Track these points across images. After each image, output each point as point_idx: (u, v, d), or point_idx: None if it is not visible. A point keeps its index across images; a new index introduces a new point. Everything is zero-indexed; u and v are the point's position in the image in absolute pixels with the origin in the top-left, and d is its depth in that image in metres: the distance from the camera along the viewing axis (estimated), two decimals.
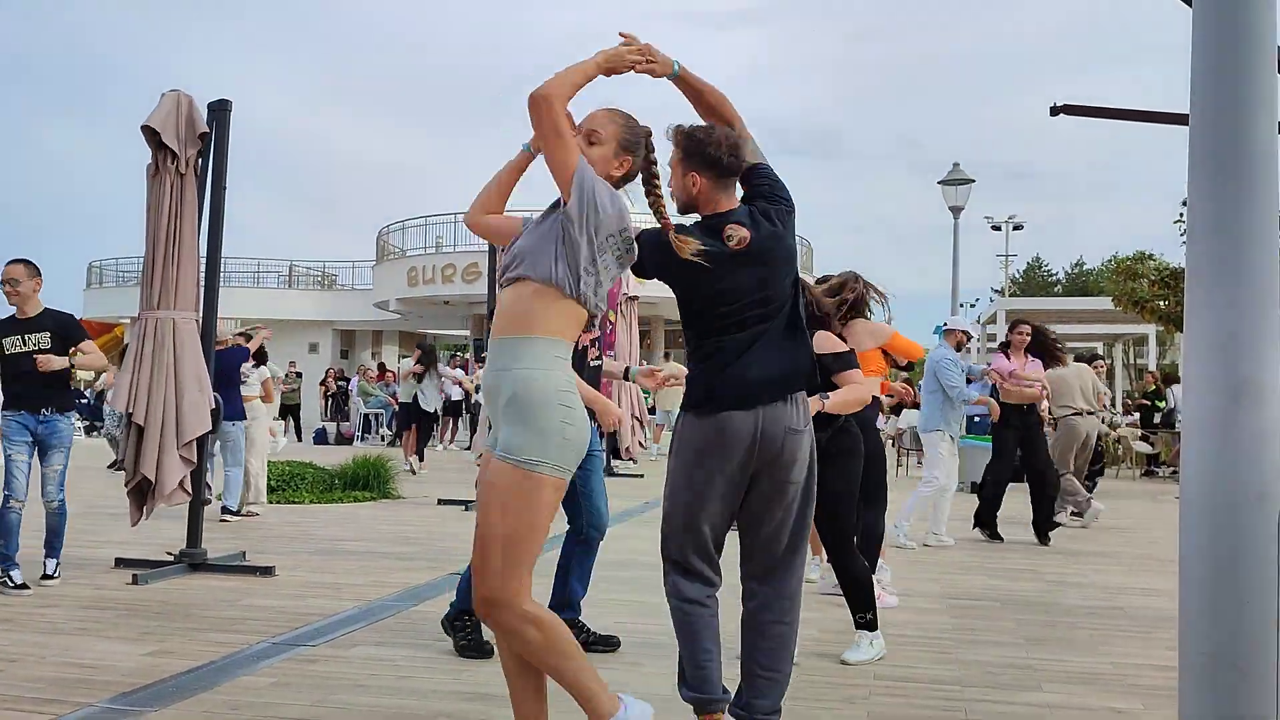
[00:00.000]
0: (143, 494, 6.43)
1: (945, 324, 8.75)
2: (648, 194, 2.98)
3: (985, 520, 8.57)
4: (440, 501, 10.22)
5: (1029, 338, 8.63)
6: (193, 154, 6.33)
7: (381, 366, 24.42)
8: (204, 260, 6.50)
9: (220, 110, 6.45)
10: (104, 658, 4.18)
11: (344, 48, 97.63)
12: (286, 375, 18.85)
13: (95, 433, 21.19)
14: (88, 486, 10.99)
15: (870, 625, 4.46)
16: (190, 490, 6.22)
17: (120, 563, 6.27)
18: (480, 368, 18.62)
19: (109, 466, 12.73)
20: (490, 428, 2.79)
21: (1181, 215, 15.40)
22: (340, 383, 24.28)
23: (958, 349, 8.39)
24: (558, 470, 2.66)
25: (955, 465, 8.25)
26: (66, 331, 5.85)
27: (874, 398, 6.10)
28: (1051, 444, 9.45)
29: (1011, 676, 4.26)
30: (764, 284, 2.99)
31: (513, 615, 2.64)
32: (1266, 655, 2.15)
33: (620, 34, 2.92)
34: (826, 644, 4.71)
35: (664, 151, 3.03)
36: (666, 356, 25.09)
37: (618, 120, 2.87)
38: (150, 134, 6.25)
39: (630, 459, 14.63)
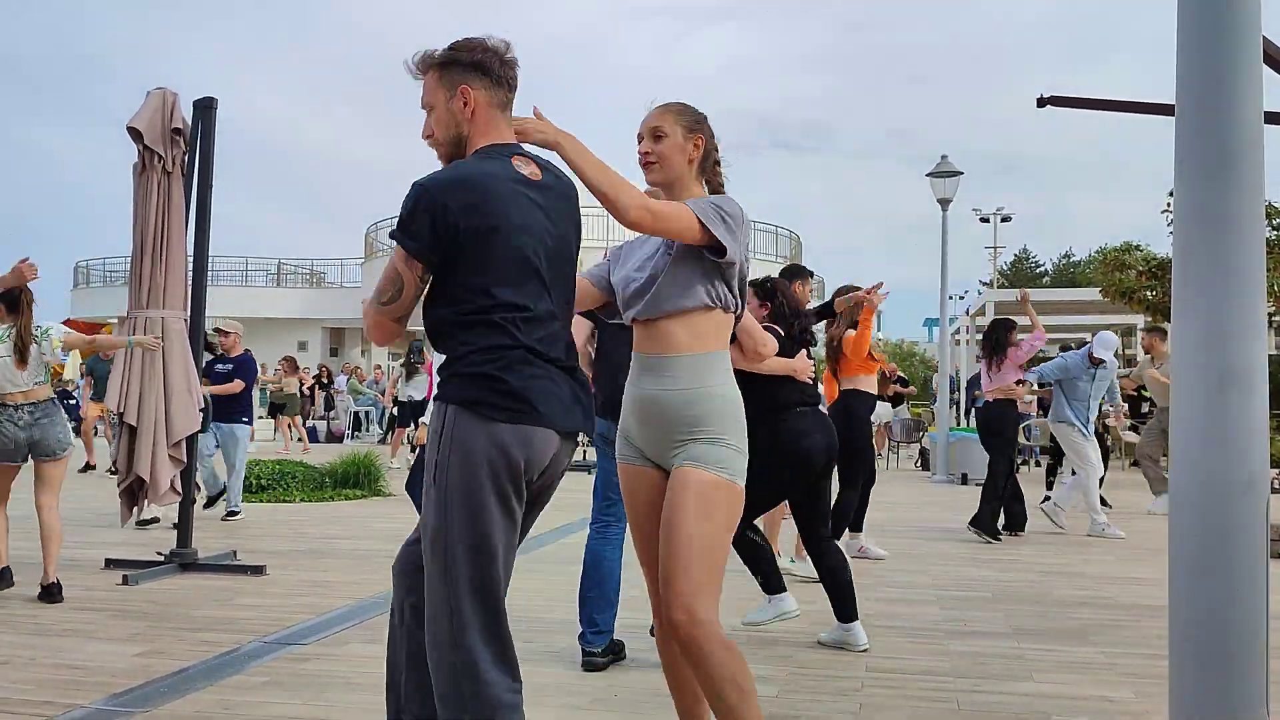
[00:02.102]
0: (134, 495, 6.41)
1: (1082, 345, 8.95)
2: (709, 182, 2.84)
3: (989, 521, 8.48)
4: None
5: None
6: (179, 152, 6.30)
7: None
8: (191, 259, 6.47)
9: (206, 108, 6.42)
10: (95, 659, 4.16)
11: (331, 46, 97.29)
12: (275, 373, 18.74)
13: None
14: (78, 488, 10.94)
15: (774, 589, 4.62)
16: (180, 490, 6.21)
17: (111, 563, 6.25)
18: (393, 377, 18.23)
19: (109, 471, 12.68)
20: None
21: (1169, 205, 15.45)
22: (319, 378, 24.13)
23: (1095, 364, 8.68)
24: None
25: (1090, 451, 8.64)
26: None
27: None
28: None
29: (1003, 666, 4.27)
30: None
31: (713, 634, 2.49)
32: (1256, 641, 2.17)
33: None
34: (817, 637, 4.72)
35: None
36: None
37: (672, 108, 2.77)
38: (135, 133, 6.22)
39: None
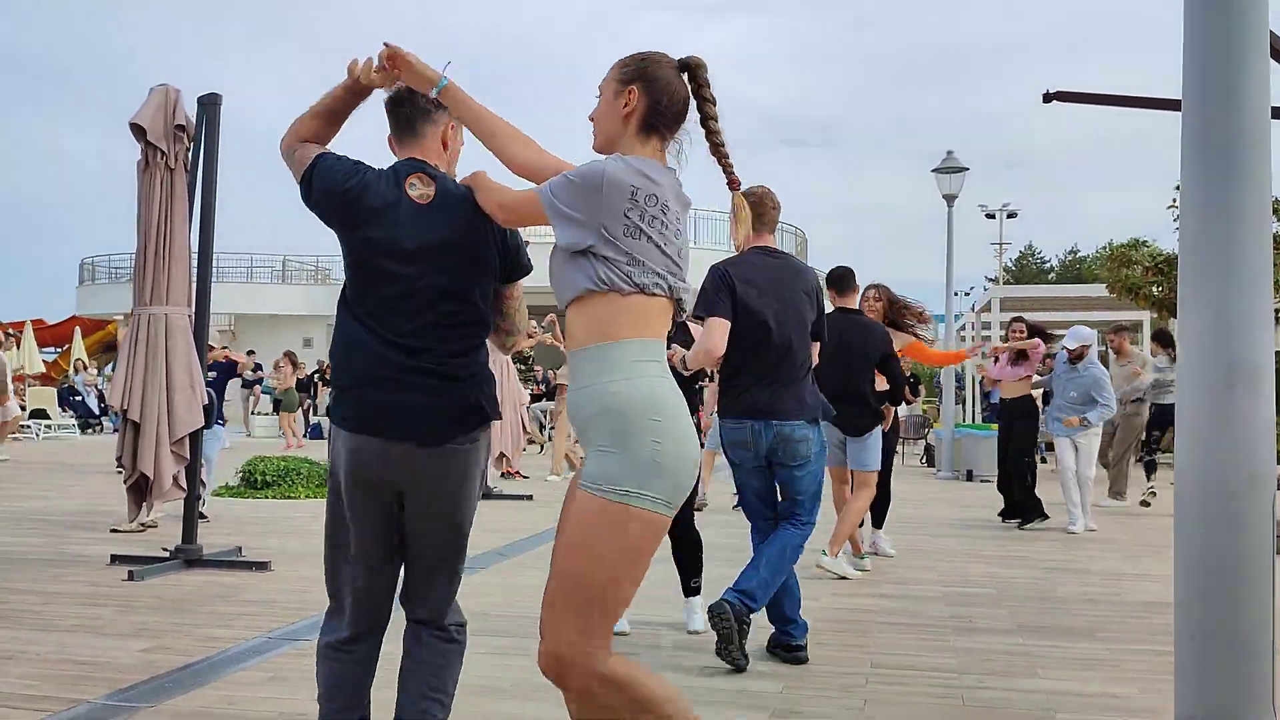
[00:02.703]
0: (141, 491, 6.43)
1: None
2: (707, 138, 2.51)
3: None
4: None
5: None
6: (181, 149, 6.30)
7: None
8: (196, 255, 6.47)
9: (210, 104, 6.42)
10: (100, 654, 4.17)
11: (335, 41, 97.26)
12: (276, 366, 18.73)
13: (91, 430, 21.16)
14: (83, 484, 10.97)
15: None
16: (185, 485, 6.22)
17: (116, 559, 6.25)
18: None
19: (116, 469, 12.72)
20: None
21: (1175, 201, 15.39)
22: (313, 373, 24.14)
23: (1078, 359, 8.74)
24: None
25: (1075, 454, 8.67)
26: None
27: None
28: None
29: (1008, 663, 4.27)
30: None
31: (586, 672, 2.22)
32: (1262, 637, 2.16)
33: (384, 44, 2.54)
34: (822, 634, 4.72)
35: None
36: None
37: (615, 66, 2.46)
38: (138, 130, 6.22)
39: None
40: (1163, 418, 10.23)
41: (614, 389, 2.23)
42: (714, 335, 3.98)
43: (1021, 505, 8.71)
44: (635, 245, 2.26)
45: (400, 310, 2.49)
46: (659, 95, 2.39)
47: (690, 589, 4.79)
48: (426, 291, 2.50)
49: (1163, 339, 10.63)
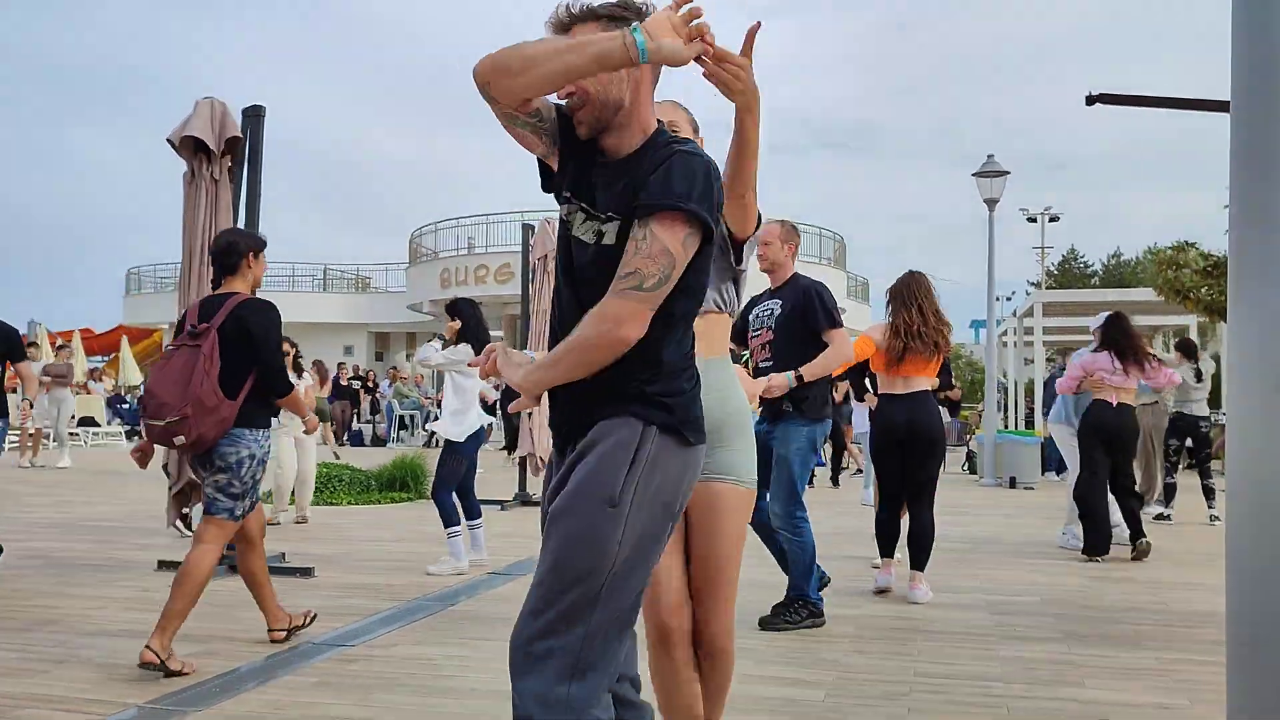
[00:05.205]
0: (186, 497, 6.52)
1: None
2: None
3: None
4: None
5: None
6: (227, 161, 6.40)
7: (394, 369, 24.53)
8: None
9: (254, 116, 6.51)
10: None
11: (375, 50, 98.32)
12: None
13: (137, 437, 21.50)
14: (131, 491, 11.15)
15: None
16: None
17: (164, 565, 6.35)
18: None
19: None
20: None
21: (1227, 204, 15.13)
22: (355, 381, 24.31)
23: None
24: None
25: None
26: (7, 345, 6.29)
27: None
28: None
29: (1053, 672, 4.21)
30: None
31: (729, 649, 2.69)
32: None
33: None
34: (865, 641, 4.69)
35: None
36: None
37: (681, 106, 2.60)
38: (185, 142, 6.32)
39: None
40: (1183, 427, 10.10)
41: (736, 394, 2.65)
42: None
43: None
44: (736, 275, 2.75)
45: None
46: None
47: None
48: None
49: (1186, 349, 10.46)
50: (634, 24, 1.98)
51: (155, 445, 4.26)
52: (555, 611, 1.95)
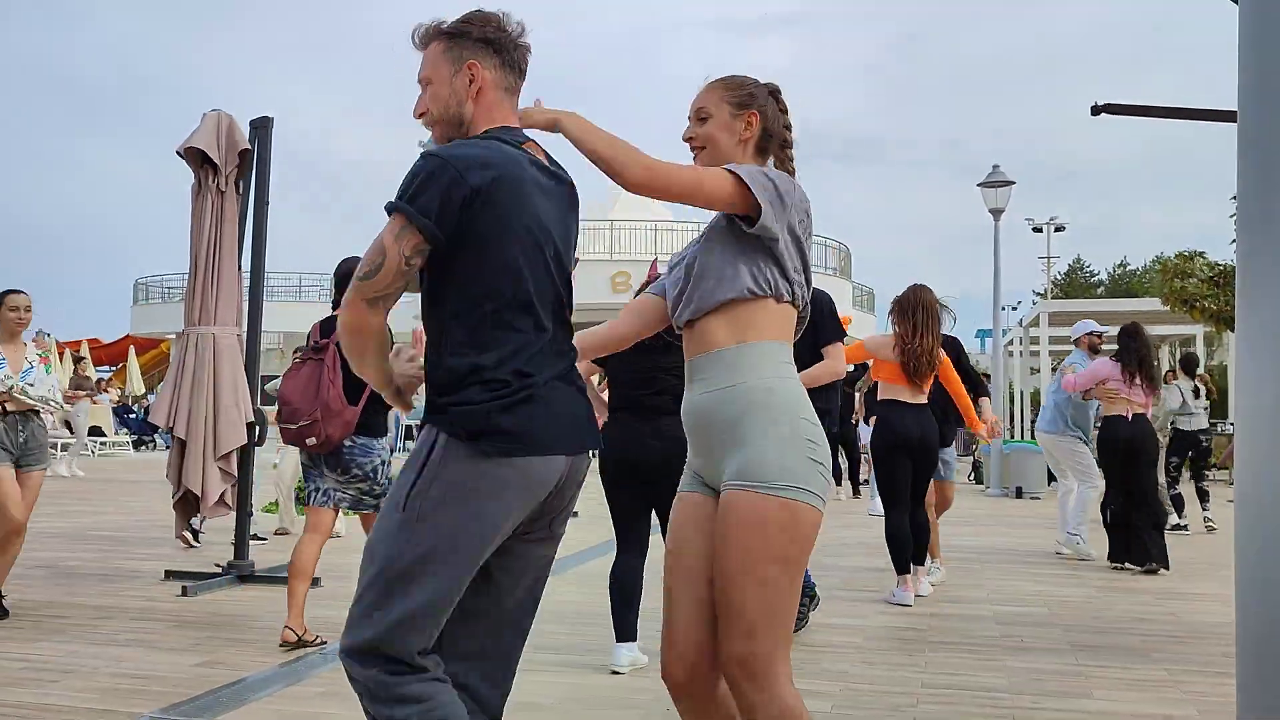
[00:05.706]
0: (189, 507, 6.53)
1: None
2: (786, 163, 2.46)
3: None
4: None
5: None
6: (233, 171, 6.43)
7: None
8: (248, 275, 6.58)
9: (262, 127, 6.54)
10: (155, 668, 4.23)
11: (379, 59, 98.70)
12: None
13: (144, 447, 21.54)
14: (137, 501, 11.16)
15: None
16: (232, 504, 6.30)
17: (170, 575, 6.36)
18: None
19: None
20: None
21: (1235, 213, 15.14)
22: None
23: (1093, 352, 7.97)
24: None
25: (1093, 461, 7.89)
26: None
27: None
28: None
29: (1061, 683, 4.19)
30: None
31: (743, 689, 2.16)
32: None
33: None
34: (872, 652, 4.67)
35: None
36: None
37: (719, 84, 2.43)
38: (192, 154, 6.35)
39: None
40: (1183, 444, 10.11)
41: (768, 385, 2.21)
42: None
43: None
44: (795, 255, 2.30)
45: None
46: (771, 120, 2.43)
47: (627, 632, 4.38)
48: None
49: (1187, 365, 10.48)
50: None
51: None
52: (369, 597, 2.20)
